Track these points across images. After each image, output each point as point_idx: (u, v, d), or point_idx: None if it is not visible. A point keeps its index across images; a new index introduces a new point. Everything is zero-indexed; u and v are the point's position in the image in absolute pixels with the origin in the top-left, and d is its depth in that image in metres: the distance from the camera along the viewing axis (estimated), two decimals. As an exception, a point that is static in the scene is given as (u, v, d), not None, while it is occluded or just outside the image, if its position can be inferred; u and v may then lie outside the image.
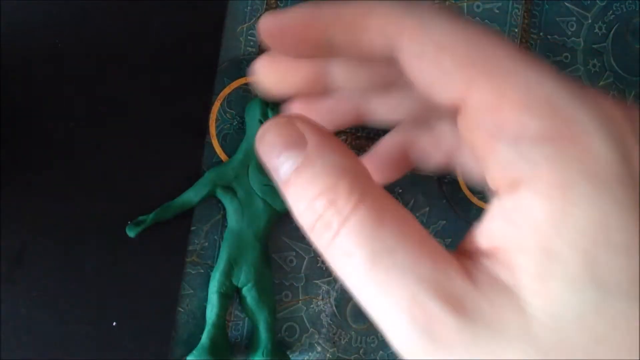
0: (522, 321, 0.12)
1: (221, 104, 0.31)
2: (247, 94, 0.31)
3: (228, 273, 0.30)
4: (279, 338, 0.32)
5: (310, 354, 0.32)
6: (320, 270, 0.32)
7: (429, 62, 0.14)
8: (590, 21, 0.35)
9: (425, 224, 0.33)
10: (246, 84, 0.31)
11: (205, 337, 0.29)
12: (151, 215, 0.29)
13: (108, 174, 0.29)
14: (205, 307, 0.31)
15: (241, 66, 0.31)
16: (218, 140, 0.31)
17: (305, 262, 0.32)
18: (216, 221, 0.31)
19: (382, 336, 0.33)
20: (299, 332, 0.32)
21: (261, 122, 0.30)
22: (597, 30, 0.35)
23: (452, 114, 0.14)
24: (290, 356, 0.31)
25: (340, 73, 0.18)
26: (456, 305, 0.12)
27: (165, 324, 0.30)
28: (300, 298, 0.32)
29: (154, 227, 0.29)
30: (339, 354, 0.33)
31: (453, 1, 0.33)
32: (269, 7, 0.31)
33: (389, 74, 0.18)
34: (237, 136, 0.31)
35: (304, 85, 0.18)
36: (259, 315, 0.30)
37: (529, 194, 0.12)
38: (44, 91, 0.29)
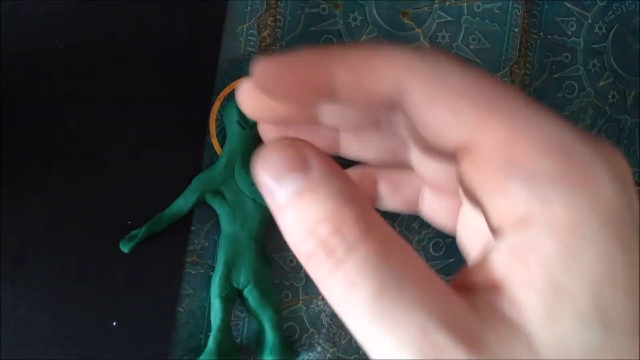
0: (530, 356, 0.12)
1: (221, 104, 0.31)
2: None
3: (227, 276, 0.30)
4: (279, 338, 0.32)
5: (310, 354, 0.32)
6: (320, 270, 0.32)
7: (441, 104, 0.14)
8: (590, 21, 0.35)
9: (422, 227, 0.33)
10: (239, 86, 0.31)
11: (211, 342, 0.29)
12: (143, 229, 0.29)
13: (108, 173, 0.29)
14: (205, 307, 0.31)
15: (241, 66, 0.31)
16: (218, 140, 0.31)
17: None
18: (216, 221, 0.31)
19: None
20: (299, 332, 0.32)
21: (239, 124, 0.30)
22: (597, 30, 0.35)
23: (452, 157, 0.15)
24: (290, 356, 0.32)
25: (327, 110, 0.18)
26: (466, 340, 0.12)
27: (165, 324, 0.30)
28: (300, 298, 0.32)
29: (154, 227, 0.29)
30: (339, 354, 0.33)
31: (453, 1, 0.33)
32: (269, 7, 0.31)
33: (373, 116, 0.18)
34: (237, 136, 0.31)
35: (286, 115, 0.18)
36: (263, 314, 0.30)
37: (540, 231, 0.13)
38: (43, 91, 0.29)
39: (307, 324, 0.32)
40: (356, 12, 0.32)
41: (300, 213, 0.14)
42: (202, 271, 0.31)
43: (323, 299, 0.33)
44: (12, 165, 0.28)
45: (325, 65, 0.15)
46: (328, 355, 0.32)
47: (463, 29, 0.34)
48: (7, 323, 0.28)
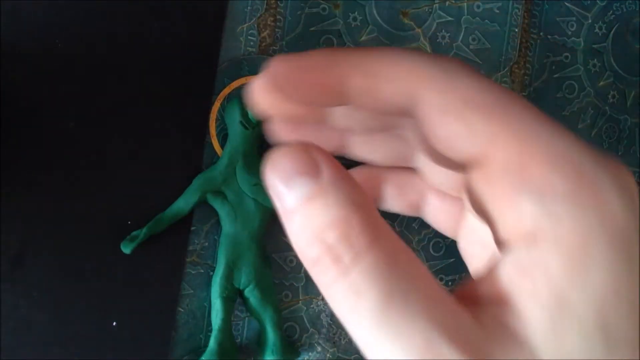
0: None
1: (221, 104, 0.31)
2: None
3: (228, 277, 0.30)
4: (279, 338, 0.32)
5: (310, 354, 0.32)
6: (320, 270, 0.32)
7: (454, 115, 0.14)
8: (590, 21, 0.35)
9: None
10: (246, 84, 0.31)
11: (212, 343, 0.29)
12: (144, 230, 0.29)
13: (108, 173, 0.29)
14: (205, 307, 0.31)
15: (241, 66, 0.31)
16: (218, 140, 0.31)
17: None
18: (216, 221, 0.31)
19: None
20: (299, 332, 0.32)
21: (242, 124, 0.30)
22: (597, 30, 0.35)
23: (461, 167, 0.15)
24: (290, 356, 0.32)
25: (337, 111, 0.18)
26: (470, 352, 0.12)
27: (165, 324, 0.30)
28: (300, 298, 0.32)
29: (154, 227, 0.29)
30: (339, 354, 0.33)
31: (453, 1, 0.33)
32: (269, 7, 0.31)
33: (383, 120, 0.18)
34: (237, 136, 0.31)
35: (297, 114, 0.18)
36: (264, 314, 0.30)
37: (548, 248, 0.13)
38: (43, 91, 0.29)
39: (307, 324, 0.32)
40: (356, 12, 0.32)
41: (308, 218, 0.14)
42: (202, 271, 0.31)
43: (323, 299, 0.33)
44: (12, 165, 0.28)
45: (339, 69, 0.15)
46: (328, 355, 0.32)
47: (463, 29, 0.34)
48: (7, 323, 0.28)
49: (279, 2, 0.32)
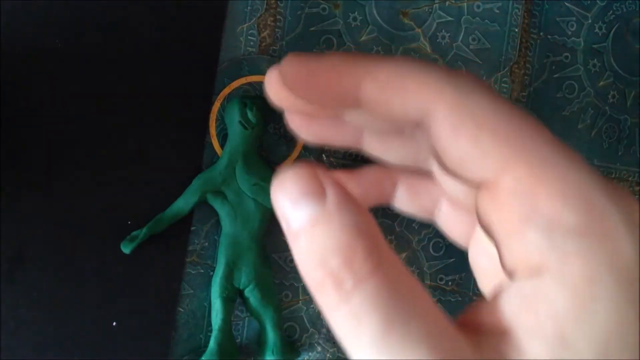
0: None
1: (221, 104, 0.31)
2: (247, 94, 0.31)
3: (229, 277, 0.30)
4: (279, 338, 0.32)
5: (310, 354, 0.32)
6: (320, 270, 0.32)
7: (466, 136, 0.14)
8: (590, 21, 0.35)
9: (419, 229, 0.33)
10: (246, 84, 0.31)
11: (212, 343, 0.29)
12: (144, 230, 0.29)
13: (108, 173, 0.29)
14: (205, 307, 0.31)
15: (241, 66, 0.31)
16: (218, 140, 0.31)
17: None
18: (216, 221, 0.31)
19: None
20: (299, 332, 0.32)
21: (241, 124, 0.30)
22: (597, 30, 0.35)
23: (471, 184, 0.15)
24: (290, 356, 0.32)
25: (352, 112, 0.18)
26: None
27: (165, 324, 0.30)
28: (301, 298, 0.32)
29: (154, 227, 0.29)
30: (339, 354, 0.33)
31: (453, 1, 0.33)
32: (269, 7, 0.31)
33: (398, 126, 0.18)
34: (237, 136, 0.31)
35: (311, 110, 0.18)
36: (265, 314, 0.30)
37: (553, 282, 0.13)
38: (44, 91, 0.29)
39: (307, 324, 0.32)
40: (356, 12, 0.32)
41: (313, 241, 0.14)
42: (202, 271, 0.31)
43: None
44: (12, 165, 0.28)
45: (353, 76, 0.15)
46: (328, 355, 0.32)
47: (463, 29, 0.34)
48: (7, 323, 0.28)
49: (279, 2, 0.32)
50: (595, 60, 0.35)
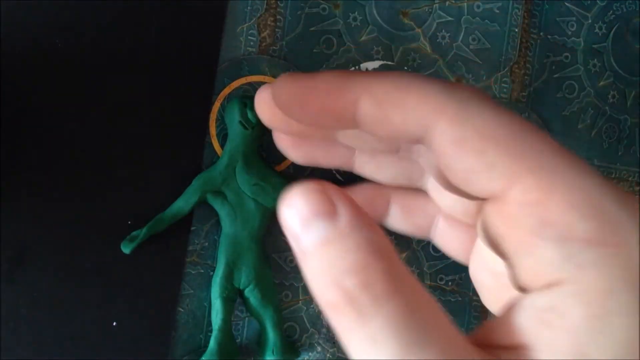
0: None
1: (221, 104, 0.31)
2: (247, 94, 0.31)
3: (229, 277, 0.30)
4: (279, 338, 0.32)
5: (310, 354, 0.32)
6: (320, 270, 0.32)
7: (470, 150, 0.13)
8: (590, 21, 0.35)
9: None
10: (246, 84, 0.31)
11: (212, 342, 0.29)
12: (144, 230, 0.29)
13: (108, 173, 0.29)
14: (205, 307, 0.31)
15: (241, 66, 0.31)
16: (218, 140, 0.31)
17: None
18: (216, 221, 0.31)
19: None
20: (299, 332, 0.32)
21: (241, 124, 0.30)
22: (597, 30, 0.35)
23: (475, 199, 0.14)
24: (290, 356, 0.32)
25: (347, 132, 0.17)
26: None
27: (165, 324, 0.30)
28: (300, 298, 0.32)
29: (154, 227, 0.29)
30: (339, 354, 0.33)
31: (453, 1, 0.33)
32: (269, 7, 0.31)
33: (393, 145, 0.17)
34: (237, 136, 0.31)
35: (303, 130, 0.17)
36: (265, 314, 0.30)
37: (568, 296, 0.12)
38: (43, 91, 0.29)
39: (307, 324, 0.32)
40: (356, 12, 0.32)
41: (326, 262, 0.13)
42: (202, 271, 0.31)
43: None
44: (12, 165, 0.28)
45: (350, 94, 0.14)
46: (328, 355, 0.32)
47: (463, 29, 0.34)
48: (7, 323, 0.28)
49: (279, 2, 0.32)
50: (595, 60, 0.35)
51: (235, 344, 0.30)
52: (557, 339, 0.12)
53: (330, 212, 0.13)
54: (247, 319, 0.32)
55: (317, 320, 0.32)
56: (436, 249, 0.34)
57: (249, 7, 0.31)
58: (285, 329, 0.32)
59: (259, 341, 0.31)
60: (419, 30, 0.33)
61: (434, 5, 0.33)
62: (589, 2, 0.35)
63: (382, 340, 0.12)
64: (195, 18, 0.30)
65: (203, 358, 0.29)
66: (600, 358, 0.12)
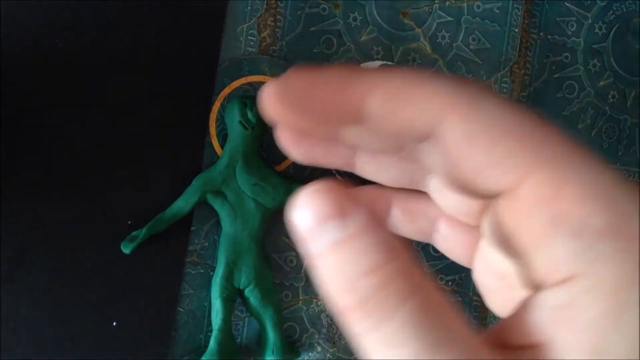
0: None
1: (221, 104, 0.31)
2: (247, 94, 0.31)
3: (229, 277, 0.30)
4: (279, 338, 0.32)
5: (310, 354, 0.32)
6: (320, 270, 0.32)
7: (482, 144, 0.13)
8: (590, 21, 0.35)
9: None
10: (246, 84, 0.31)
11: (212, 342, 0.29)
12: (144, 230, 0.29)
13: (108, 174, 0.29)
14: (205, 307, 0.31)
15: (241, 66, 0.31)
16: (218, 140, 0.31)
17: (305, 262, 0.32)
18: (216, 221, 0.31)
19: (382, 336, 0.33)
20: (299, 332, 0.32)
21: (241, 124, 0.30)
22: (597, 30, 0.35)
23: (485, 197, 0.14)
24: (290, 356, 0.32)
25: (351, 129, 0.17)
26: None
27: (165, 324, 0.30)
28: (300, 298, 0.32)
29: (154, 227, 0.29)
30: (339, 354, 0.33)
31: (453, 1, 0.33)
32: (269, 7, 0.31)
33: (398, 143, 0.17)
34: (237, 136, 0.31)
35: (307, 127, 0.17)
36: (265, 314, 0.30)
37: (583, 291, 0.12)
38: (43, 91, 0.29)
39: (307, 324, 0.32)
40: (356, 12, 0.32)
41: (341, 263, 0.13)
42: (202, 271, 0.31)
43: (323, 299, 0.33)
44: (12, 166, 0.28)
45: (358, 89, 0.14)
46: (328, 355, 0.32)
47: (463, 29, 0.34)
48: (7, 323, 0.28)
49: (279, 2, 0.32)
50: (595, 60, 0.35)
51: (235, 344, 0.30)
52: (575, 335, 0.12)
53: (343, 213, 0.13)
54: (247, 319, 0.32)
55: (317, 320, 0.32)
56: (436, 249, 0.34)
57: (249, 7, 0.31)
58: (285, 329, 0.32)
59: (259, 341, 0.31)
60: (419, 30, 0.33)
61: (434, 5, 0.33)
62: (589, 2, 0.35)
63: (402, 342, 0.12)
64: (195, 18, 0.30)
65: (203, 358, 0.29)
66: (618, 354, 0.12)
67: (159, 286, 0.30)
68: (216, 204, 0.30)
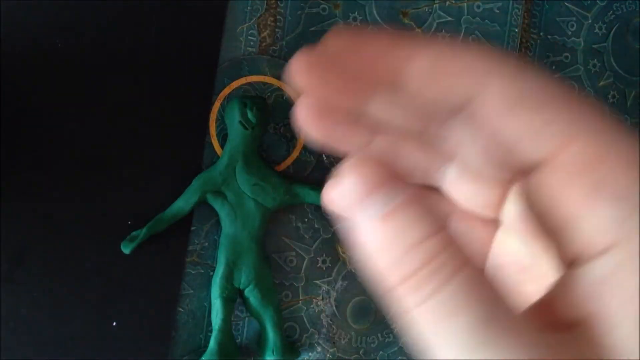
0: None
1: (221, 104, 0.31)
2: (246, 94, 0.31)
3: (229, 277, 0.30)
4: (279, 338, 0.32)
5: (310, 354, 0.32)
6: (320, 270, 0.32)
7: (523, 113, 0.13)
8: (590, 21, 0.35)
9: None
10: (246, 84, 0.31)
11: (213, 342, 0.29)
12: (144, 230, 0.29)
13: (108, 173, 0.29)
14: (205, 307, 0.31)
15: (241, 66, 0.31)
16: (218, 140, 0.31)
17: (305, 262, 0.32)
18: (216, 221, 0.31)
19: (382, 336, 0.33)
20: (299, 332, 0.32)
21: (241, 124, 0.29)
22: (597, 30, 0.35)
23: (520, 172, 0.14)
24: (290, 356, 0.32)
25: (378, 104, 0.17)
26: None
27: (165, 324, 0.30)
28: (300, 298, 0.32)
29: (154, 227, 0.29)
30: (339, 354, 0.33)
31: (453, 1, 0.33)
32: (269, 7, 0.31)
33: (427, 120, 0.17)
34: (237, 136, 0.31)
35: (335, 96, 0.17)
36: (265, 314, 0.30)
37: (628, 258, 0.12)
38: (43, 91, 0.29)
39: (307, 324, 0.32)
40: (356, 12, 0.32)
41: (391, 235, 0.13)
42: (202, 271, 0.31)
43: (323, 298, 0.33)
44: (12, 165, 0.28)
45: (403, 51, 0.14)
46: (328, 355, 0.32)
47: (463, 29, 0.34)
48: (7, 323, 0.28)
49: (279, 2, 0.32)
50: (595, 60, 0.35)
51: (235, 344, 0.30)
52: (619, 307, 0.12)
53: (390, 184, 0.13)
54: (247, 319, 0.32)
55: (317, 320, 0.32)
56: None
57: (249, 7, 0.31)
58: (285, 329, 0.32)
59: (259, 341, 0.31)
60: (419, 30, 0.33)
61: (434, 5, 0.33)
62: (589, 2, 0.35)
63: (459, 311, 0.12)
64: (195, 18, 0.30)
65: (203, 358, 0.29)
66: None
67: (159, 286, 0.30)
68: (216, 204, 0.30)
